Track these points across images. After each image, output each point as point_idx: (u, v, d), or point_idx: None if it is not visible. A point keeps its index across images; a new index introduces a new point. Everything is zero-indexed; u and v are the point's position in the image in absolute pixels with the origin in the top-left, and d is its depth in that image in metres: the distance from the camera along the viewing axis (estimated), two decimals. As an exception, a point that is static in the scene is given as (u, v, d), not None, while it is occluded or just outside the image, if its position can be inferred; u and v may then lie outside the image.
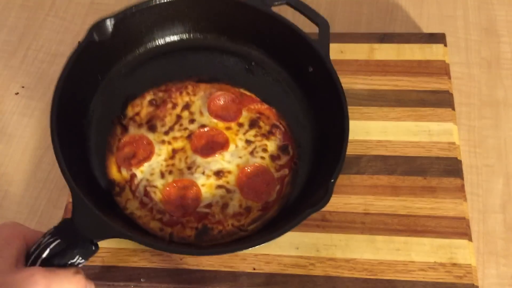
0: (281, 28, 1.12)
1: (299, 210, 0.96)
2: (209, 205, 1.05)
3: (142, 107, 1.13)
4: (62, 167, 0.95)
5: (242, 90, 1.15)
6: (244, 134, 1.10)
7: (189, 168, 1.07)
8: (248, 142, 1.10)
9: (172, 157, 1.08)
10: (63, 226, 0.89)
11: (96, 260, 1.04)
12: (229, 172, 1.07)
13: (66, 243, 0.86)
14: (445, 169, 1.09)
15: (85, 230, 0.88)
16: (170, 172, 1.07)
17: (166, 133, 1.10)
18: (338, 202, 1.07)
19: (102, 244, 1.01)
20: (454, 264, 1.00)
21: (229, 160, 1.08)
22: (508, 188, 1.15)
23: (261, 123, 1.11)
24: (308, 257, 1.03)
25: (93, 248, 0.90)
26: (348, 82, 1.19)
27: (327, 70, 1.06)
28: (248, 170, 1.07)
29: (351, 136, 1.07)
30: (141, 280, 1.02)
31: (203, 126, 1.11)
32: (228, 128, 1.11)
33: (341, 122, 1.02)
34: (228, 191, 1.06)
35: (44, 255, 0.84)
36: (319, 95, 1.11)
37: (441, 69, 1.21)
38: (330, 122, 1.07)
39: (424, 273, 1.00)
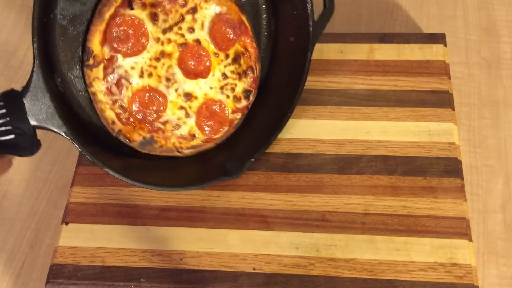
0: None
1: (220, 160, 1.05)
2: (165, 122, 1.08)
3: None
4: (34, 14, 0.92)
5: (244, 19, 1.10)
6: (225, 66, 1.10)
7: (167, 79, 1.07)
8: (224, 76, 1.10)
9: (157, 59, 1.06)
10: (10, 94, 0.90)
11: (96, 260, 1.04)
12: (196, 98, 1.09)
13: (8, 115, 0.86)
14: (445, 169, 1.09)
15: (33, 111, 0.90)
16: (150, 75, 1.06)
17: (164, 31, 1.05)
18: (338, 202, 1.07)
19: (102, 244, 1.02)
20: (454, 264, 1.00)
21: (201, 86, 1.09)
22: (508, 188, 1.15)
23: (242, 61, 1.11)
24: (308, 257, 1.03)
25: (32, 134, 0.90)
26: (348, 82, 1.20)
27: (305, 51, 1.07)
28: (210, 103, 1.10)
29: (351, 136, 1.08)
30: (141, 280, 1.02)
31: (198, 41, 1.08)
32: (216, 55, 1.10)
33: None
34: (187, 115, 1.08)
35: None
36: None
37: (441, 69, 1.20)
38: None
39: (424, 273, 1.00)
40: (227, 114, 1.10)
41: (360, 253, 1.02)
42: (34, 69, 0.92)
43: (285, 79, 1.12)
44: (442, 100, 1.16)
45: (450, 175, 1.08)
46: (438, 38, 1.26)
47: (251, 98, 1.11)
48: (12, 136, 0.88)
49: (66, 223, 1.08)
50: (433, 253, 1.01)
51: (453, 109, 1.16)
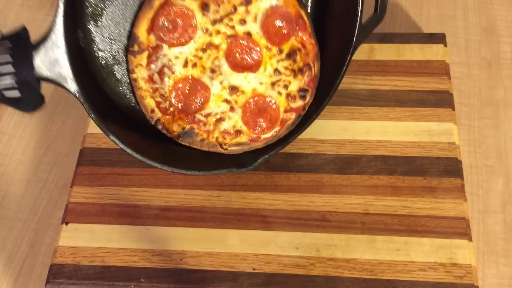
0: None
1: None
2: (207, 114, 1.05)
3: None
4: None
5: (303, 13, 1.04)
6: (278, 62, 1.06)
7: (212, 70, 1.05)
8: (276, 71, 1.05)
9: (204, 49, 1.03)
10: (19, 38, 0.86)
11: (96, 260, 1.04)
12: (243, 92, 1.06)
13: (14, 66, 0.83)
14: (445, 169, 1.09)
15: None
16: (194, 65, 1.04)
17: (214, 22, 1.02)
18: (338, 202, 1.07)
19: (102, 244, 1.02)
20: (454, 264, 1.00)
21: (250, 81, 1.06)
22: (508, 188, 1.15)
23: (298, 58, 1.06)
24: (308, 257, 1.03)
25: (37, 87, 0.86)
26: (348, 82, 1.20)
27: (346, 54, 1.02)
28: (259, 99, 1.06)
29: (352, 136, 1.08)
30: (141, 280, 1.02)
31: (248, 34, 1.04)
32: (268, 48, 1.06)
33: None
34: (232, 109, 1.05)
35: None
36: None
37: (441, 69, 1.20)
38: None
39: (424, 273, 1.00)
40: (278, 112, 1.06)
41: (360, 253, 1.02)
42: (57, 17, 0.89)
43: (320, 79, 1.08)
44: (442, 100, 1.16)
45: (450, 175, 1.08)
46: (438, 38, 1.25)
47: (308, 98, 1.05)
48: (16, 92, 0.85)
49: (66, 223, 1.08)
50: (433, 253, 1.01)
51: (453, 109, 1.16)
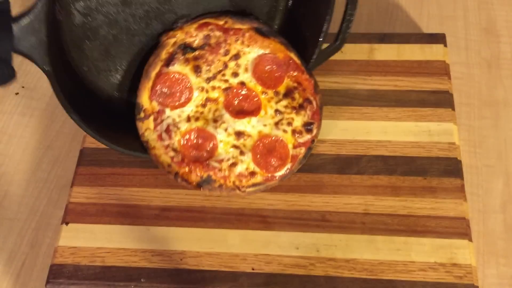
0: None
1: None
2: (220, 160, 1.07)
3: (195, 38, 1.08)
4: None
5: (293, 55, 1.09)
6: (277, 103, 1.09)
7: (215, 120, 1.08)
8: (277, 112, 1.09)
9: (203, 105, 1.08)
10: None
11: (96, 260, 1.04)
12: (249, 136, 1.08)
13: None
14: (445, 169, 1.09)
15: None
16: (197, 119, 1.08)
17: (208, 80, 1.08)
18: (338, 202, 1.07)
19: (102, 244, 1.04)
20: (454, 264, 1.00)
21: (253, 125, 1.08)
22: (508, 188, 1.15)
23: (296, 95, 1.09)
24: (308, 257, 1.03)
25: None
26: (348, 82, 1.20)
27: None
28: (267, 140, 1.08)
29: (351, 136, 1.08)
30: (141, 280, 1.02)
31: (242, 83, 1.09)
32: (264, 93, 1.09)
33: None
34: (242, 153, 1.08)
35: None
36: None
37: (441, 69, 1.21)
38: None
39: (424, 273, 1.00)
40: (287, 149, 1.09)
41: (360, 253, 1.02)
42: None
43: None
44: (442, 100, 1.17)
45: (450, 175, 1.08)
46: (438, 38, 1.26)
47: (315, 130, 1.09)
48: None
49: (66, 223, 1.08)
50: (433, 253, 1.01)
51: (453, 109, 1.16)
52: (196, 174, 1.07)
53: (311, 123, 1.08)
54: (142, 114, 1.06)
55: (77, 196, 1.11)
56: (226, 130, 1.08)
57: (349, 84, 1.20)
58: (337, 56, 1.18)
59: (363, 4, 1.40)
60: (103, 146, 1.07)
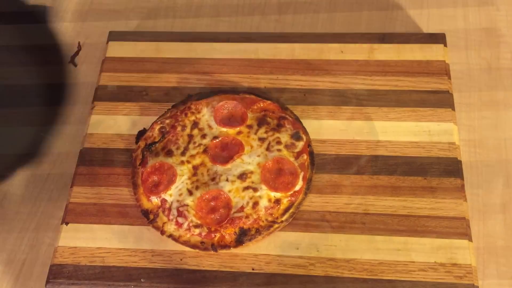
0: None
1: None
2: (241, 208, 1.06)
3: (154, 137, 1.15)
4: None
5: (242, 95, 1.17)
6: (256, 133, 1.12)
7: (212, 179, 1.09)
8: (261, 140, 1.11)
9: (194, 174, 1.10)
10: None
11: (96, 260, 1.04)
12: (252, 172, 1.09)
13: None
14: (445, 169, 1.09)
15: None
16: (197, 188, 1.08)
17: (183, 153, 1.12)
18: (338, 202, 1.07)
19: (102, 244, 1.05)
20: (454, 264, 1.00)
21: (248, 161, 1.10)
22: (508, 188, 1.15)
23: (268, 119, 1.13)
24: (308, 257, 1.03)
25: None
26: (348, 82, 1.20)
27: None
28: (269, 165, 1.09)
29: (351, 136, 1.08)
30: (141, 280, 1.02)
31: (215, 137, 1.12)
32: (239, 133, 1.13)
33: None
34: (255, 189, 1.07)
35: None
36: None
37: (441, 69, 1.21)
38: None
39: (424, 273, 1.00)
40: (291, 163, 1.10)
41: (360, 253, 1.02)
42: None
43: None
44: (442, 100, 1.17)
45: (450, 175, 1.09)
46: (438, 38, 1.26)
47: (304, 136, 1.12)
48: None
49: (66, 223, 1.08)
50: (433, 253, 1.02)
51: (453, 109, 1.16)
52: (229, 234, 1.05)
53: (296, 132, 1.11)
54: (151, 216, 1.07)
55: (77, 196, 1.11)
56: (227, 179, 1.08)
57: (349, 84, 1.20)
58: (337, 56, 1.21)
59: (363, 4, 1.40)
60: (102, 146, 1.08)
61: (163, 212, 1.07)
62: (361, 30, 1.36)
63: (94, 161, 1.14)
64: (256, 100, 1.15)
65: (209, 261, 1.04)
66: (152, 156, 1.12)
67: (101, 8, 1.46)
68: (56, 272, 1.04)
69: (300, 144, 1.11)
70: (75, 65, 1.36)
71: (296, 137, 1.11)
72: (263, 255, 1.03)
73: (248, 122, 1.14)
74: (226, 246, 1.04)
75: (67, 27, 1.43)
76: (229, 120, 1.14)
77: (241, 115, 1.14)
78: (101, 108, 1.21)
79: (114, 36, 1.32)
